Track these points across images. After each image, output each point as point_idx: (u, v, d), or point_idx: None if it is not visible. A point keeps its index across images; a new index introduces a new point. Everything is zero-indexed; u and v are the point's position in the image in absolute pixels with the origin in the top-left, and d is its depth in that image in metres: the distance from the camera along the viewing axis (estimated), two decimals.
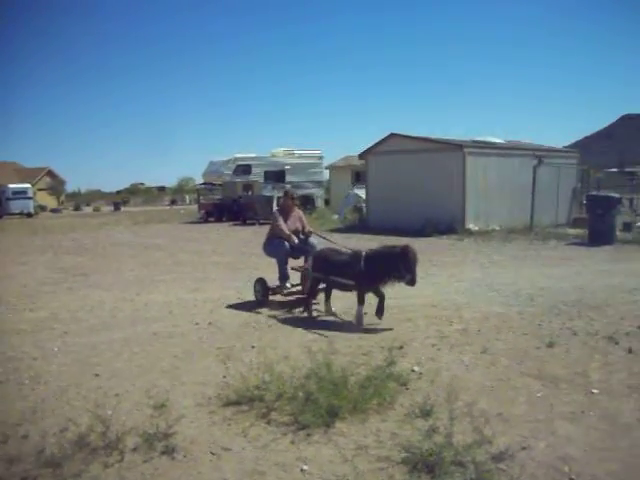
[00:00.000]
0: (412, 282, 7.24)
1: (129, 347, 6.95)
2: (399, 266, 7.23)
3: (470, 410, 4.55)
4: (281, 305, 8.97)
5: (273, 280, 9.27)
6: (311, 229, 9.55)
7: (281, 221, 9.18)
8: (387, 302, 7.75)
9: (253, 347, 6.65)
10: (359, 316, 7.61)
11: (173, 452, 4.14)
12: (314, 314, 8.26)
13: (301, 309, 8.62)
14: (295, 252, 9.25)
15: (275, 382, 5.04)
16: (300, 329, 7.45)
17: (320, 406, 4.52)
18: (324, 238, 9.56)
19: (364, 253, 7.72)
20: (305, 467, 3.87)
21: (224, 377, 5.60)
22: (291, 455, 4.06)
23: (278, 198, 9.69)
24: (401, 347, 6.31)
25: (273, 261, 9.37)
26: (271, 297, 9.23)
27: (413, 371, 5.55)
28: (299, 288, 9.24)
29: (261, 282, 9.28)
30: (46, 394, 5.46)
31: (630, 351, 6.01)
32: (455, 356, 6.06)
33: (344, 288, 8.01)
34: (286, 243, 9.08)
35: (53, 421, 4.78)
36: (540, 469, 3.71)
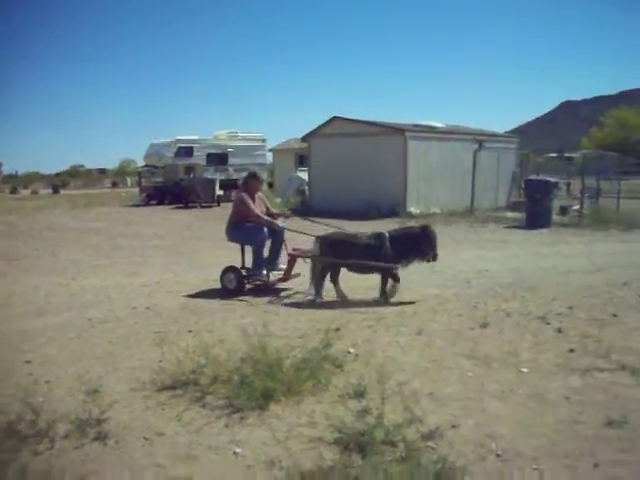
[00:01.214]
0: (435, 258, 8.03)
1: (63, 333, 6.80)
2: (422, 244, 7.90)
3: (403, 390, 4.61)
4: (264, 292, 8.71)
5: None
6: (275, 211, 9.42)
7: (252, 205, 8.78)
8: (327, 285, 8.04)
9: (190, 331, 6.59)
10: (393, 292, 7.98)
11: (105, 438, 4.07)
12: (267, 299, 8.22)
13: (306, 296, 8.33)
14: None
15: (210, 366, 5.01)
16: (238, 312, 7.42)
17: (255, 389, 4.51)
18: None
19: (387, 234, 8.04)
20: (238, 450, 3.86)
21: (160, 362, 5.52)
22: (224, 438, 4.04)
23: (245, 179, 9.05)
24: (338, 329, 6.33)
25: (219, 244, 9.22)
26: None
27: (349, 353, 5.57)
28: (279, 275, 8.97)
29: (235, 271, 8.86)
30: None
31: (560, 331, 6.17)
32: (391, 337, 6.12)
33: (364, 270, 8.18)
34: (265, 229, 8.79)
35: None
36: (468, 446, 3.78)
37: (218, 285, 8.92)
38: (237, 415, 4.35)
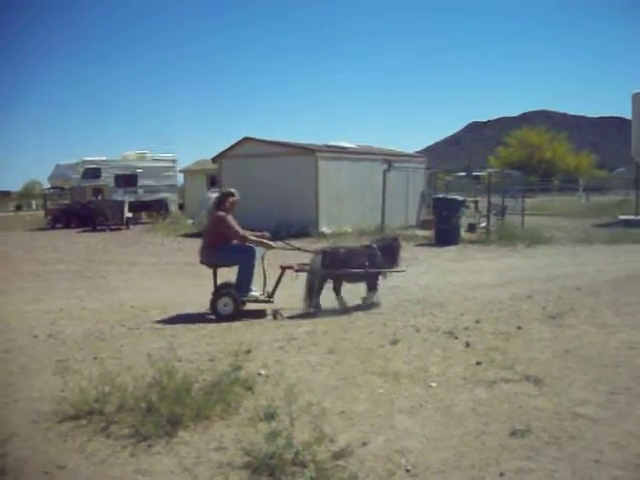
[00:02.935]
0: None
1: None
2: (396, 254, 9.06)
3: (313, 410, 4.59)
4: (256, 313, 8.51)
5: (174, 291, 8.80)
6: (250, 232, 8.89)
7: (236, 225, 8.47)
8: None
9: (95, 358, 6.33)
10: (376, 299, 8.76)
11: (3, 474, 3.85)
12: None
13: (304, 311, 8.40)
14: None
15: (116, 393, 4.83)
16: (146, 338, 7.22)
17: (162, 415, 4.37)
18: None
19: (375, 245, 8.98)
20: (144, 479, 3.73)
21: (62, 391, 5.26)
22: (129, 468, 3.89)
23: (220, 198, 8.45)
24: (248, 351, 6.25)
25: (128, 268, 8.99)
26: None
27: (259, 374, 5.50)
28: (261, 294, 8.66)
29: (230, 295, 8.34)
30: None
31: (467, 345, 6.30)
32: (302, 357, 6.09)
33: (355, 280, 8.73)
34: (258, 249, 8.55)
35: None
36: (378, 463, 3.78)
37: (126, 310, 8.68)
38: (144, 443, 4.20)
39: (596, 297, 8.69)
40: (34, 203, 65.29)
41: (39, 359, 6.49)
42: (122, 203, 29.14)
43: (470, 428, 4.25)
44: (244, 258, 8.47)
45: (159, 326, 7.84)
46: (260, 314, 8.49)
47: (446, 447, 3.97)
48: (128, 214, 29.07)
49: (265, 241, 8.67)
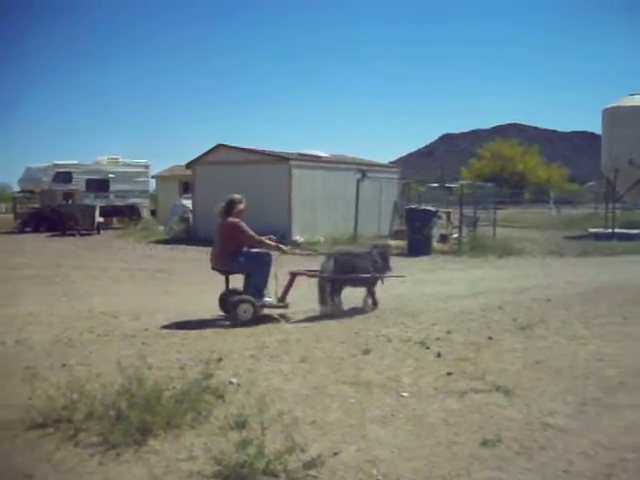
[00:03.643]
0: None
1: None
2: (388, 260, 9.66)
3: (285, 419, 4.55)
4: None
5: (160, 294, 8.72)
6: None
7: (251, 230, 8.64)
8: (209, 315, 8.41)
9: (64, 365, 6.23)
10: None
11: None
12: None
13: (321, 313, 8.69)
14: None
15: (84, 401, 4.74)
16: (115, 345, 7.12)
17: (131, 424, 4.31)
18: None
19: (375, 251, 9.46)
20: None
21: (29, 399, 5.17)
22: (98, 477, 3.83)
23: (229, 205, 8.64)
24: (220, 359, 6.19)
25: (99, 274, 8.88)
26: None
27: (231, 383, 5.45)
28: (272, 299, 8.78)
29: (249, 301, 8.32)
30: None
31: (439, 355, 6.32)
32: (274, 366, 6.06)
33: (359, 284, 9.10)
34: (272, 254, 8.72)
35: None
36: (350, 472, 3.76)
37: (96, 316, 8.59)
38: (112, 452, 4.13)
39: (566, 309, 8.78)
40: (3, 206, 64.26)
41: (6, 366, 6.36)
42: (93, 208, 28.83)
43: (441, 438, 4.25)
44: (260, 264, 8.59)
45: (129, 333, 7.72)
46: (269, 319, 8.49)
47: (417, 457, 3.97)
48: (99, 219, 28.77)
49: (281, 246, 8.91)
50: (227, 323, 8.25)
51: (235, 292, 8.73)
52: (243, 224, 8.66)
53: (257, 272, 8.57)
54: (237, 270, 8.72)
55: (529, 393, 5.17)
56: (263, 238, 8.71)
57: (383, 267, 9.39)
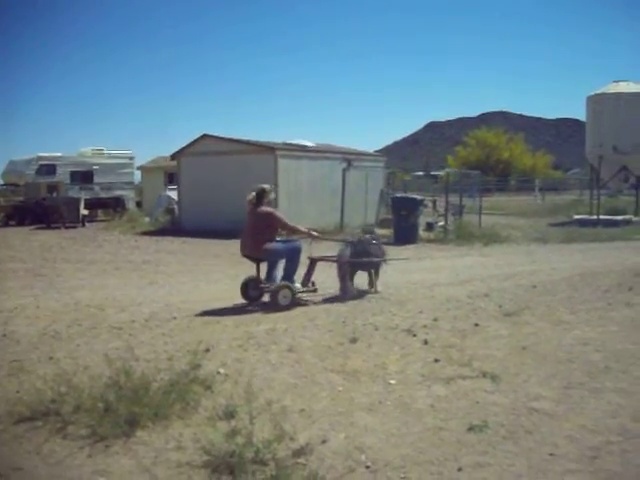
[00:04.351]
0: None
1: None
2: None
3: (273, 408, 4.57)
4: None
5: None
6: None
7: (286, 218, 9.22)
8: (196, 306, 8.35)
9: (51, 358, 6.21)
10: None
11: None
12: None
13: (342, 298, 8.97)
14: None
15: (72, 394, 4.74)
16: (103, 337, 7.10)
17: (119, 415, 4.32)
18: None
19: (371, 237, 10.01)
20: None
21: (17, 392, 5.17)
22: (87, 469, 3.84)
23: (259, 194, 9.08)
24: (207, 350, 6.19)
25: (84, 266, 8.84)
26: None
27: (218, 373, 5.46)
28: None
29: (288, 287, 8.68)
30: None
31: (426, 342, 6.35)
32: (261, 356, 6.07)
33: (367, 268, 9.61)
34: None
35: None
36: (338, 460, 3.79)
37: (82, 309, 8.58)
38: (101, 444, 4.14)
39: (552, 295, 8.84)
40: None
41: None
42: (78, 200, 28.59)
43: (429, 424, 4.29)
44: (293, 251, 8.97)
45: (116, 325, 7.68)
46: (298, 303, 8.77)
47: (405, 443, 4.00)
48: (84, 211, 28.56)
49: (312, 233, 9.41)
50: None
51: (253, 280, 9.05)
52: (278, 212, 9.22)
53: (290, 259, 8.93)
54: (272, 257, 9.01)
55: (515, 378, 5.21)
56: (297, 225, 9.21)
57: (384, 252, 10.02)
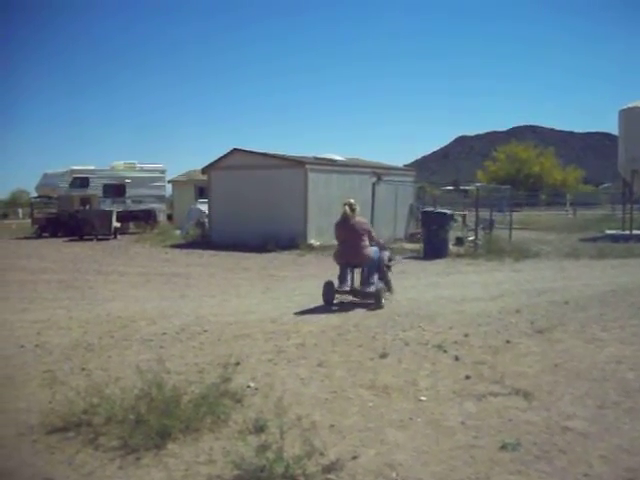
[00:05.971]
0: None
1: None
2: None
3: (303, 423, 4.57)
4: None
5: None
6: None
7: None
8: (226, 319, 8.39)
9: (83, 369, 6.30)
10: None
11: None
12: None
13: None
14: None
15: (104, 405, 4.78)
16: (134, 349, 7.17)
17: (151, 427, 4.35)
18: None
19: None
20: None
21: (50, 402, 5.22)
22: None
23: (353, 207, 10.07)
24: (237, 363, 6.22)
25: (117, 278, 8.95)
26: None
27: (249, 387, 5.48)
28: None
29: (385, 290, 9.91)
30: None
31: (457, 358, 6.31)
32: (291, 370, 6.07)
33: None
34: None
35: None
36: (369, 476, 3.77)
37: (114, 321, 8.66)
38: (132, 456, 4.17)
39: (584, 311, 8.71)
40: (21, 212, 64.80)
41: (26, 370, 6.44)
42: (110, 213, 29.01)
43: (460, 442, 4.25)
44: (380, 257, 10.08)
45: (147, 337, 7.77)
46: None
47: (436, 461, 3.97)
48: (116, 224, 28.97)
49: (381, 242, 10.54)
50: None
51: (331, 283, 9.83)
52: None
53: (373, 264, 9.90)
54: (372, 263, 9.92)
55: (548, 396, 5.14)
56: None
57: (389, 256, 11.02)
